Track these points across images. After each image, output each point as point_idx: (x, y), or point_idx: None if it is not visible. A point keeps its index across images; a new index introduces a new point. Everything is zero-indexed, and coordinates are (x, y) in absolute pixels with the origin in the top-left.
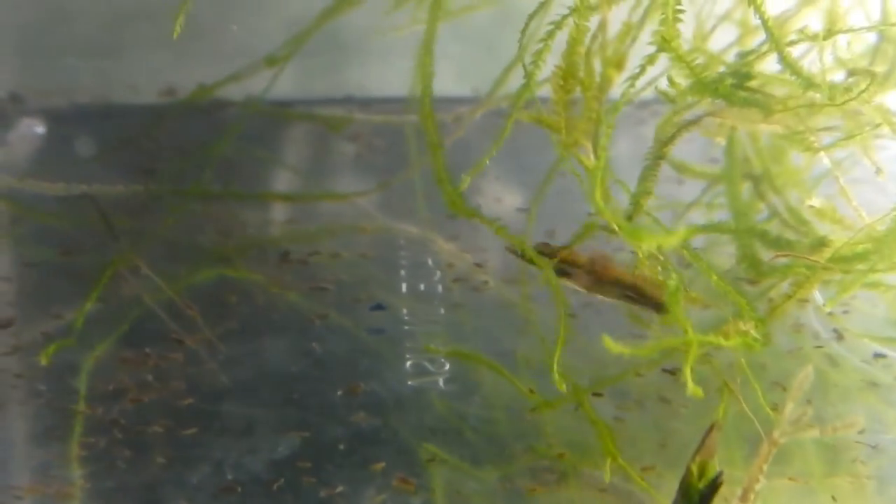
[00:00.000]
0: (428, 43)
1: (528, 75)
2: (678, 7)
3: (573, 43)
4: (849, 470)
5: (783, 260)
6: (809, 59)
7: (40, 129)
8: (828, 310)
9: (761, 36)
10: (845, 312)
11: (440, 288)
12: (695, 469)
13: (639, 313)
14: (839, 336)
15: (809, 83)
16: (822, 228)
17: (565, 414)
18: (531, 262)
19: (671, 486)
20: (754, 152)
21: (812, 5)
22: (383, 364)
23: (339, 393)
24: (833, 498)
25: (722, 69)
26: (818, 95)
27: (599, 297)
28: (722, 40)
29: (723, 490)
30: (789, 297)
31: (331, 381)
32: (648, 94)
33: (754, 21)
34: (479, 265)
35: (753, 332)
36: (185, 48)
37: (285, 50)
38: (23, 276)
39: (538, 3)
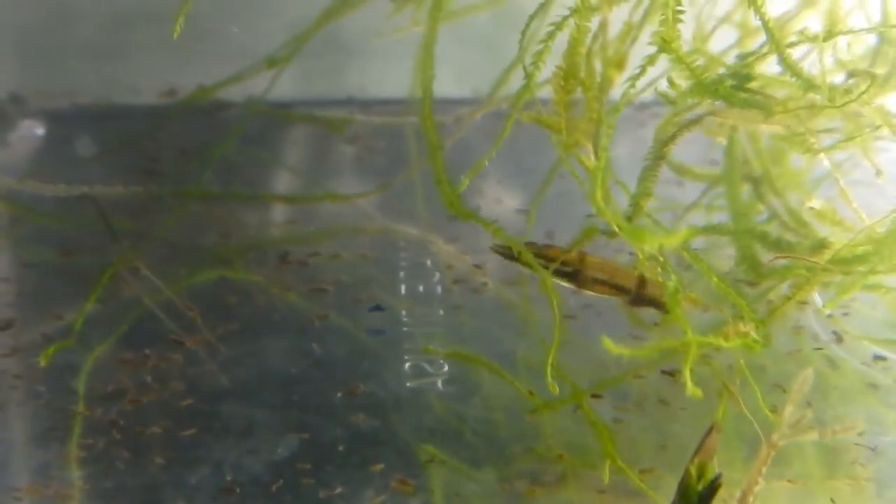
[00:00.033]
0: (428, 44)
1: (528, 76)
2: (678, 8)
3: (574, 43)
4: (848, 472)
5: (783, 262)
6: (810, 61)
7: (41, 129)
8: (827, 312)
9: (762, 37)
10: (845, 314)
11: (439, 289)
12: (694, 471)
13: (638, 314)
14: (839, 338)
15: (810, 85)
16: (822, 230)
17: (564, 415)
18: (517, 260)
19: (670, 488)
20: (754, 154)
21: (812, 7)
22: (382, 365)
23: (339, 394)
24: (832, 500)
25: (722, 71)
26: (818, 97)
27: (590, 293)
28: (722, 42)
29: (722, 492)
30: (789, 298)
31: (330, 382)
32: (648, 95)
33: (754, 22)
34: (478, 267)
35: (753, 334)
36: (185, 49)
37: (286, 51)
38: (22, 277)
39: (538, 4)
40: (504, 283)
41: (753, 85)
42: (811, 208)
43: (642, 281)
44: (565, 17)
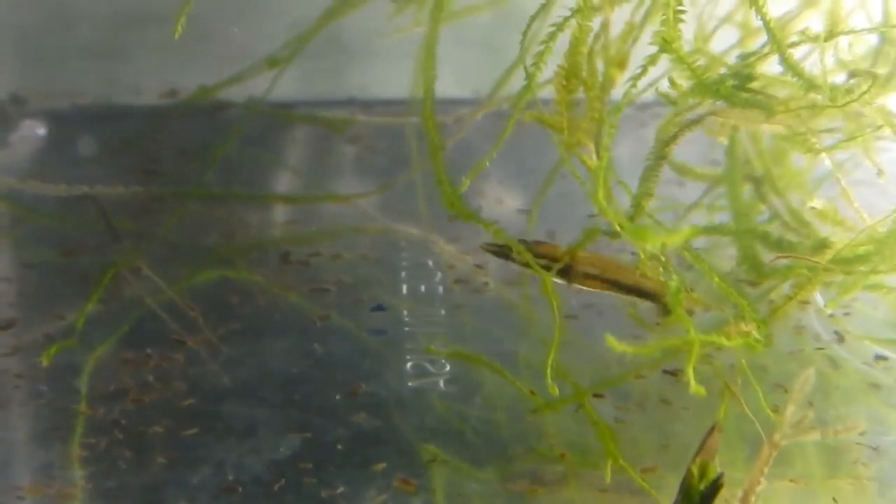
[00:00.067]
0: (430, 45)
1: (530, 77)
2: (679, 8)
3: (576, 43)
4: (850, 472)
5: (784, 261)
6: (811, 61)
7: (42, 130)
8: (829, 311)
9: (763, 37)
10: (846, 314)
11: (441, 289)
12: (696, 470)
13: (640, 315)
14: (840, 338)
15: (811, 85)
16: (824, 230)
17: (566, 415)
18: (509, 258)
19: (672, 488)
20: (756, 154)
21: (814, 7)
22: (384, 365)
23: (340, 394)
24: (834, 500)
25: (723, 70)
26: (820, 97)
27: (580, 287)
28: (723, 42)
29: (724, 491)
30: (790, 298)
31: (332, 382)
32: (649, 96)
33: (756, 23)
34: (479, 266)
35: (755, 334)
36: (186, 50)
37: (287, 52)
38: (24, 277)
39: (539, 4)
40: (505, 283)
41: (755, 85)
42: (813, 208)
43: (637, 274)
44: (567, 18)
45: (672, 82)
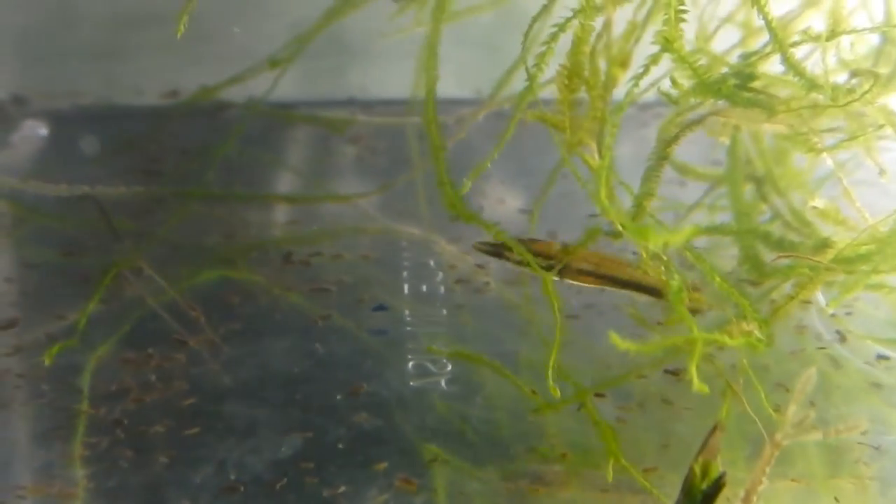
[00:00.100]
0: (431, 45)
1: (531, 77)
2: (681, 8)
3: (578, 42)
4: (851, 471)
5: (786, 261)
6: (813, 61)
7: (43, 130)
8: (831, 311)
9: (765, 37)
10: (848, 314)
11: (442, 289)
12: (698, 470)
13: (641, 314)
14: (842, 338)
15: (812, 84)
16: (825, 230)
17: (567, 415)
18: (503, 257)
19: (674, 487)
20: (757, 154)
21: (815, 7)
22: (385, 365)
23: (342, 394)
24: (836, 499)
25: (725, 70)
26: (821, 97)
27: (574, 283)
28: (725, 41)
29: (725, 491)
30: (792, 298)
31: (333, 382)
32: (651, 96)
33: (758, 22)
34: (480, 266)
35: (756, 334)
36: (188, 50)
37: (288, 52)
38: (25, 277)
39: (541, 5)
40: (506, 283)
41: (756, 84)
42: (814, 208)
43: (634, 270)
44: (568, 19)
45: (674, 82)
